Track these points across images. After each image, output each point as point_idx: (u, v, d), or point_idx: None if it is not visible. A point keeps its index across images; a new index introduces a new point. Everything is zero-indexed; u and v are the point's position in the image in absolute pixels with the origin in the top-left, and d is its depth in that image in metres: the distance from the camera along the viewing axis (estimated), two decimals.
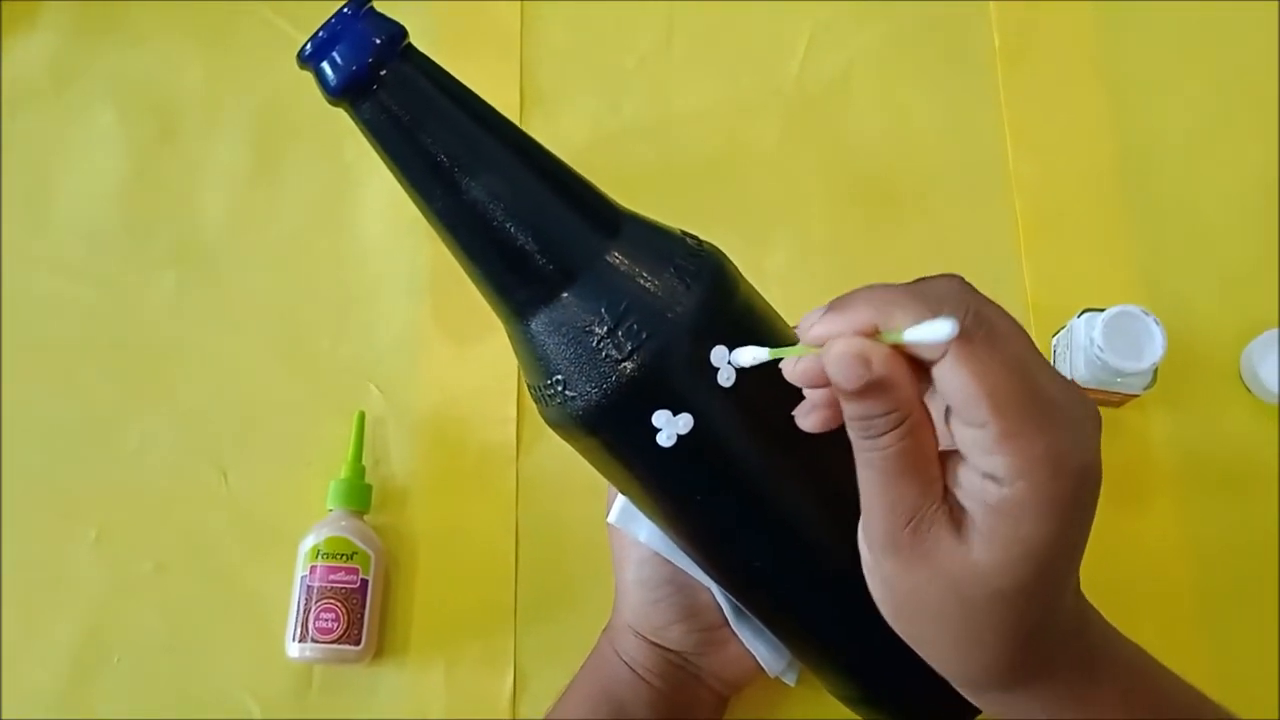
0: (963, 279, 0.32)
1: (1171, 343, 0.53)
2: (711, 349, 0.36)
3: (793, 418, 0.33)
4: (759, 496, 0.40)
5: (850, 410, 0.31)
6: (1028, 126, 0.64)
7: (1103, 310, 0.54)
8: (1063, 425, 0.30)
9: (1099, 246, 0.62)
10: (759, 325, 0.40)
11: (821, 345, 0.31)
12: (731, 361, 0.34)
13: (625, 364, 0.36)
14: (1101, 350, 0.53)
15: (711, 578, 0.46)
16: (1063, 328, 0.58)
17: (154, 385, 0.60)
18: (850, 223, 0.63)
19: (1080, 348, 0.55)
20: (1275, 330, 0.58)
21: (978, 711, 0.40)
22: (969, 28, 0.66)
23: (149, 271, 0.62)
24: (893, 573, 0.33)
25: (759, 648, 0.48)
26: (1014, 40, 0.66)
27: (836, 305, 0.31)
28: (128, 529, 0.57)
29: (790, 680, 0.50)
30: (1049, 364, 0.32)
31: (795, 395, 0.33)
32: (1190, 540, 0.57)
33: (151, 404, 0.59)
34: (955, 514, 0.31)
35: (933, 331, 0.28)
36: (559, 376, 0.37)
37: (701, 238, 0.40)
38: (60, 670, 0.55)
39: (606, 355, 0.36)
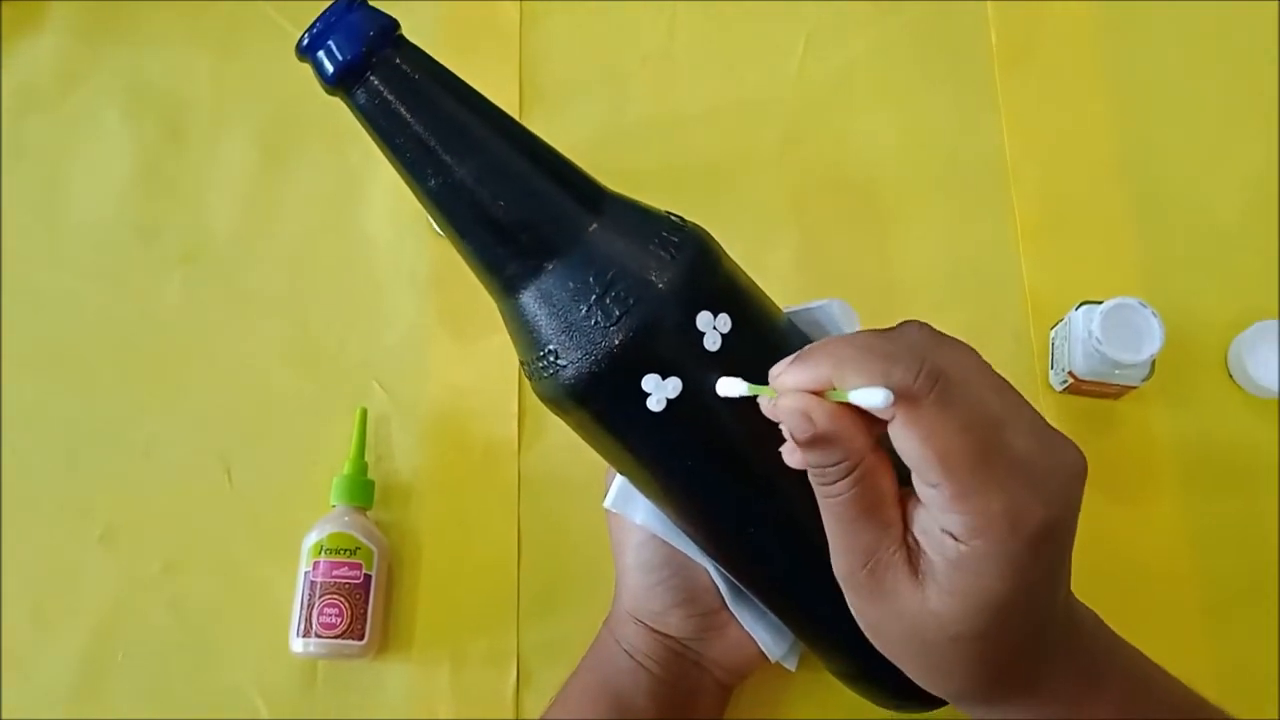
0: (930, 328, 0.33)
1: (1169, 335, 0.53)
2: (697, 314, 0.38)
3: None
4: (750, 461, 0.40)
5: (805, 458, 0.32)
6: (1026, 124, 0.65)
7: (1101, 303, 0.54)
8: (1023, 482, 0.30)
9: (1097, 240, 0.62)
10: (743, 294, 0.41)
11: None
12: (718, 390, 0.35)
13: (613, 329, 0.37)
14: (1100, 342, 0.53)
15: (707, 552, 0.46)
16: (1061, 320, 0.58)
17: (160, 384, 0.60)
18: (850, 221, 0.63)
19: (1079, 340, 0.55)
20: (1261, 323, 0.58)
21: None
22: (967, 27, 0.67)
23: (156, 271, 0.62)
24: (857, 608, 0.34)
25: (759, 631, 0.49)
26: (1011, 39, 0.66)
27: (802, 356, 0.32)
28: (134, 527, 0.57)
29: (791, 666, 0.50)
30: (1024, 411, 0.32)
31: (782, 359, 0.34)
32: (1190, 531, 0.57)
33: (158, 402, 0.60)
34: (914, 558, 0.32)
35: (870, 398, 0.30)
36: (550, 347, 0.38)
37: (686, 217, 0.41)
38: (67, 668, 0.55)
39: (595, 322, 0.37)
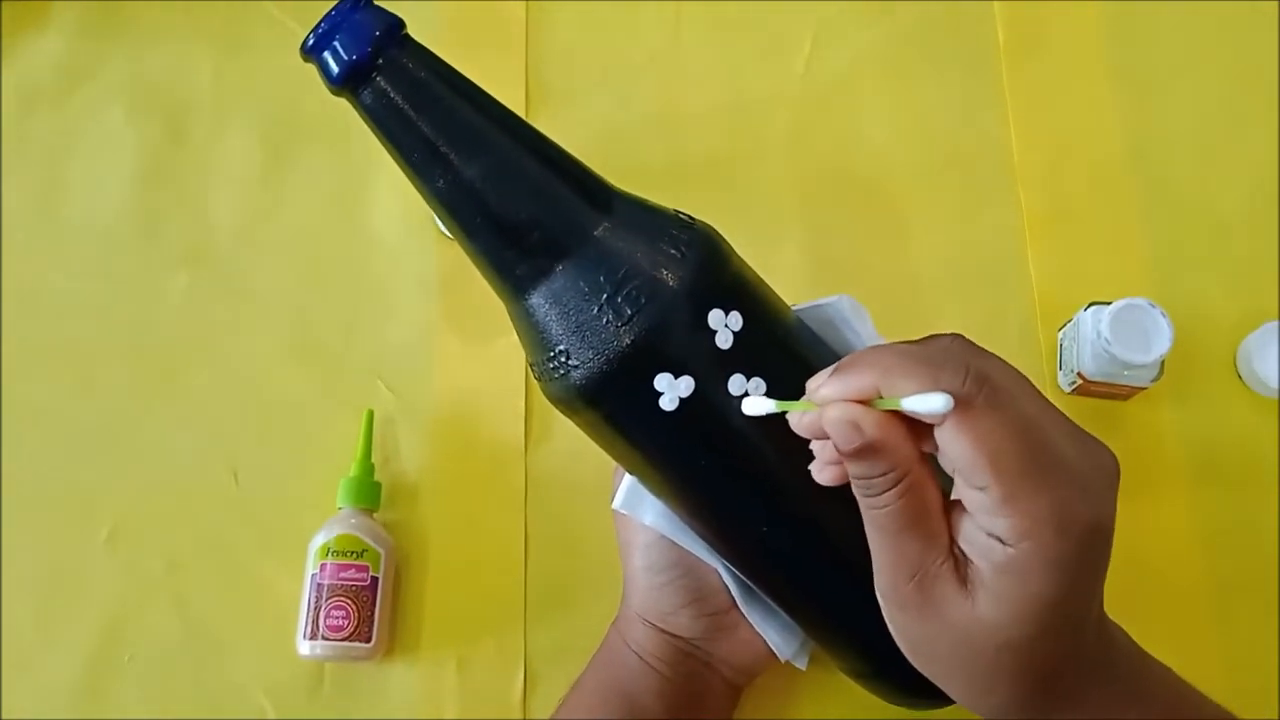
0: (964, 338, 0.33)
1: (1177, 336, 0.53)
2: (709, 312, 0.38)
3: (793, 383, 0.34)
4: (763, 459, 0.40)
5: (850, 470, 0.32)
6: (1033, 121, 0.64)
7: (1109, 303, 0.54)
8: (1068, 483, 0.30)
9: (1105, 240, 0.62)
10: (753, 292, 0.41)
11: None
12: (743, 409, 0.35)
13: (626, 329, 0.37)
14: (1109, 343, 0.53)
15: (719, 552, 0.46)
16: (1069, 321, 0.58)
17: (165, 385, 0.60)
18: (857, 218, 0.63)
19: (1087, 341, 0.55)
20: (1271, 324, 0.58)
21: None
22: (974, 23, 0.67)
23: (160, 271, 0.62)
24: (903, 624, 0.34)
25: (769, 631, 0.49)
26: (1018, 36, 0.66)
27: (843, 367, 0.32)
28: (139, 528, 0.57)
29: (801, 664, 0.50)
30: (1060, 416, 0.32)
31: (793, 358, 0.34)
32: (1198, 532, 0.57)
33: (162, 404, 0.59)
34: (960, 568, 0.32)
35: (929, 403, 0.29)
36: (561, 348, 0.38)
37: (694, 215, 0.41)
38: (72, 670, 0.55)
39: (607, 322, 0.37)
